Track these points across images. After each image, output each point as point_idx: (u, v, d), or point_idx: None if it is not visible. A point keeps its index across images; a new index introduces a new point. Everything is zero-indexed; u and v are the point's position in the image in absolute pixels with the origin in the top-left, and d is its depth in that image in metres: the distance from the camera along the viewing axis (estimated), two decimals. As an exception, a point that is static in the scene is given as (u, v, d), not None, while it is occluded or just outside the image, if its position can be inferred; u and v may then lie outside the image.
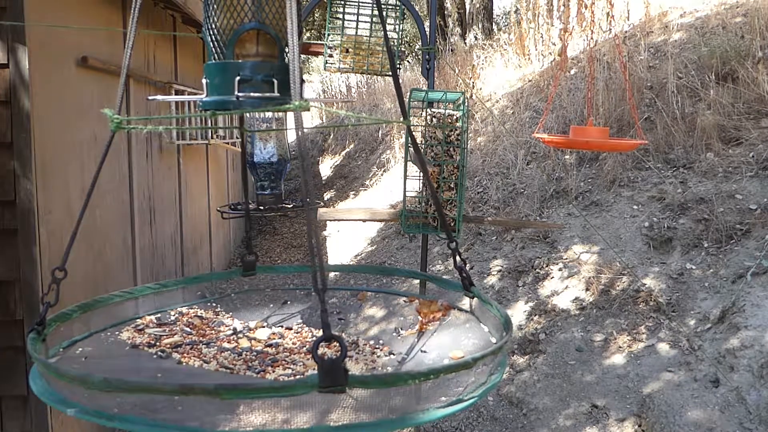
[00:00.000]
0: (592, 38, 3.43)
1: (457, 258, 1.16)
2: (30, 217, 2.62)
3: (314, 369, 1.08)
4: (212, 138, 5.22)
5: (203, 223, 5.87)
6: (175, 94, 4.54)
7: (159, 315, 1.29)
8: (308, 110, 0.92)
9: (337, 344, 0.71)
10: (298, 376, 1.06)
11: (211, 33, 1.00)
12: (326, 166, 10.71)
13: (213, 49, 1.00)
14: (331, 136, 11.34)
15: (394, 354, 1.18)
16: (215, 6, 0.98)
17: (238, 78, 0.95)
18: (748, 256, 3.79)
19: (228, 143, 5.65)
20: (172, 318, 1.30)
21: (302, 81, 1.01)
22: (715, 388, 3.24)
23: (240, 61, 0.99)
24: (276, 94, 0.95)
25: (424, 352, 1.16)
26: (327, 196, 9.07)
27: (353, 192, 8.65)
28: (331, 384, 0.69)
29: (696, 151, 4.69)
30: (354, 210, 5.40)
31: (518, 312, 4.43)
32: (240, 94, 0.94)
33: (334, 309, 1.40)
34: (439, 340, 1.18)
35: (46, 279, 2.69)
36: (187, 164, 5.22)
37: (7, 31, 2.52)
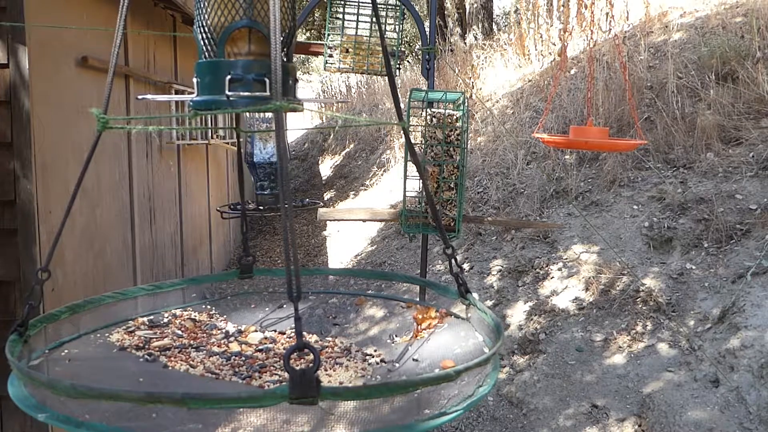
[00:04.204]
0: (592, 38, 3.42)
1: (454, 265, 1.13)
2: (30, 217, 2.62)
3: None
4: (212, 138, 5.22)
5: (203, 223, 5.88)
6: (175, 94, 4.54)
7: (152, 317, 1.27)
8: (301, 111, 0.90)
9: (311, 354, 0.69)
10: (284, 383, 1.05)
11: (202, 31, 0.98)
12: (326, 166, 10.71)
13: (204, 48, 0.98)
14: (331, 136, 11.33)
15: (386, 362, 1.16)
16: (206, 3, 0.96)
17: (228, 77, 0.92)
18: (748, 256, 3.79)
19: (228, 143, 5.65)
20: (165, 320, 1.27)
21: (296, 80, 1.00)
22: (715, 388, 3.24)
23: (231, 59, 0.97)
24: (268, 93, 0.92)
25: (416, 360, 1.14)
26: (327, 196, 9.07)
27: (353, 192, 8.64)
28: (302, 395, 0.66)
29: (696, 151, 4.69)
30: (354, 210, 5.40)
31: (518, 312, 4.43)
32: (230, 93, 0.92)
33: (331, 311, 1.39)
34: (433, 348, 1.16)
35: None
36: (187, 164, 5.22)
37: (7, 31, 2.52)
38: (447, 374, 0.75)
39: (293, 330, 1.29)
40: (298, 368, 0.67)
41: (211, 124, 5.19)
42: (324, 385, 0.67)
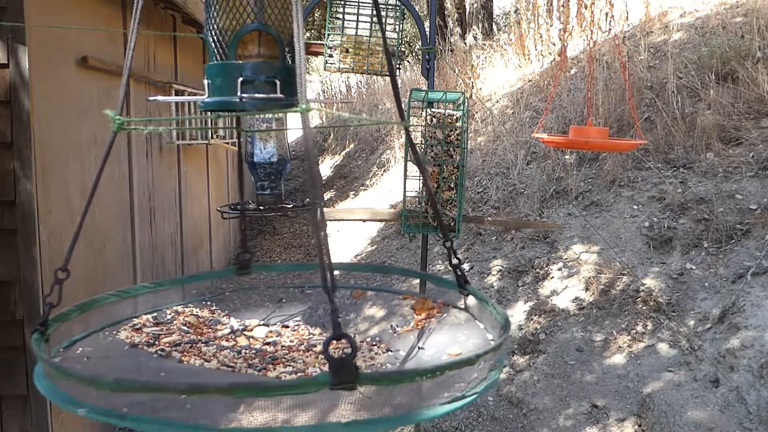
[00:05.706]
0: (592, 38, 3.42)
1: (452, 256, 1.16)
2: (30, 218, 2.62)
3: (314, 366, 1.09)
4: (212, 138, 5.22)
5: (203, 223, 5.88)
6: (175, 94, 4.54)
7: (155, 314, 1.29)
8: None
9: (347, 343, 0.72)
10: (299, 374, 1.06)
11: (213, 34, 1.00)
12: (326, 166, 10.71)
13: (215, 50, 1.00)
14: (331, 136, 11.34)
15: (391, 351, 1.18)
16: (217, 7, 0.98)
17: (240, 79, 0.94)
18: (748, 256, 3.79)
19: (228, 143, 5.65)
20: (168, 317, 1.29)
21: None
22: (715, 388, 3.24)
23: (242, 61, 0.99)
24: (279, 95, 0.95)
25: (422, 349, 1.16)
26: (327, 196, 9.07)
27: (353, 192, 8.65)
28: (342, 382, 0.69)
29: (696, 151, 4.69)
30: (354, 210, 5.40)
31: (518, 312, 4.43)
32: (243, 95, 0.94)
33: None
34: (436, 337, 1.19)
35: (46, 279, 2.69)
36: (187, 164, 5.22)
37: (7, 31, 2.52)
38: (470, 358, 0.81)
39: (296, 324, 1.33)
40: (336, 356, 0.70)
41: (212, 124, 5.19)
42: (361, 372, 0.70)
